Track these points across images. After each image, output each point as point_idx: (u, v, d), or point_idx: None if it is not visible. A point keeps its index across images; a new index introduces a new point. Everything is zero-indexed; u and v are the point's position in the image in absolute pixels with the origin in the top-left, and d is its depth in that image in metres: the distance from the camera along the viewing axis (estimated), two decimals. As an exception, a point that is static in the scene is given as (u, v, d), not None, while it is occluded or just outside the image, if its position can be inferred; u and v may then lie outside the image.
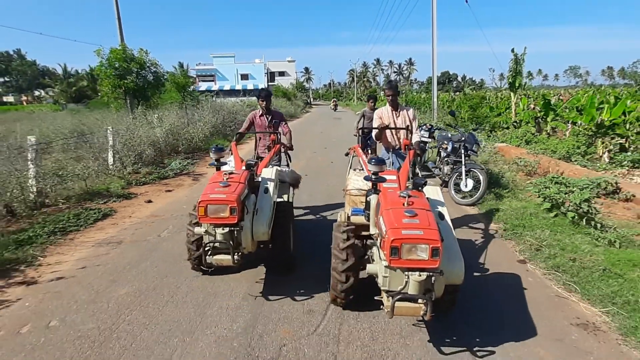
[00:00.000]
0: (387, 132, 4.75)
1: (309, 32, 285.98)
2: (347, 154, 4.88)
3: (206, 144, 12.08)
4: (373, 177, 3.12)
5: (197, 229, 3.31)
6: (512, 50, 15.30)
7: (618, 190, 6.73)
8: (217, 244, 3.20)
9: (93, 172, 7.14)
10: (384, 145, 4.86)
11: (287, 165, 5.30)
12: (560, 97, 18.51)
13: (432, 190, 3.33)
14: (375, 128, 4.66)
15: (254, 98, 31.04)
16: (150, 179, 7.97)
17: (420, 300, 2.47)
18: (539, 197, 5.35)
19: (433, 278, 2.45)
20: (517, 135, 13.58)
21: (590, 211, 4.69)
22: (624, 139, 11.02)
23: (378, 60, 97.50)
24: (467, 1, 16.85)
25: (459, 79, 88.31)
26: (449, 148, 6.57)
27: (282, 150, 5.26)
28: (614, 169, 8.94)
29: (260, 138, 5.29)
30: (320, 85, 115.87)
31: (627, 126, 11.36)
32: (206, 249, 3.23)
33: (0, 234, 4.74)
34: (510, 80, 16.46)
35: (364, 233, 3.35)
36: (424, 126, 8.84)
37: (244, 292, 3.56)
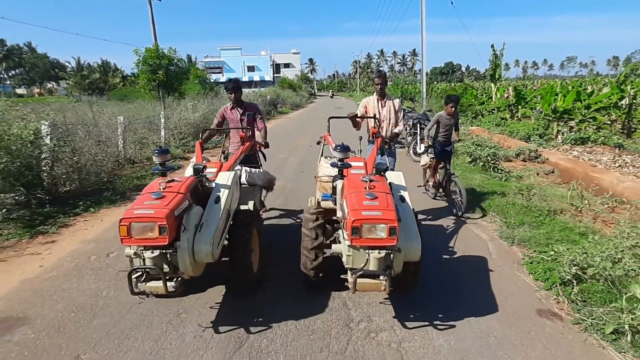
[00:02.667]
0: (370, 121, 4.83)
1: (314, 23, 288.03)
2: (318, 142, 4.72)
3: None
4: (339, 163, 3.33)
5: (127, 250, 2.74)
6: (492, 47, 17.98)
7: (538, 156, 9.51)
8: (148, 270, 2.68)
9: (153, 143, 10.06)
10: (369, 135, 4.88)
11: (260, 165, 4.87)
12: (534, 88, 21.16)
13: (395, 176, 3.47)
14: (343, 117, 4.82)
15: (264, 89, 33.87)
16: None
17: (381, 277, 2.67)
18: (467, 155, 8.21)
19: (392, 255, 2.66)
20: (490, 120, 16.37)
21: (490, 161, 7.53)
22: (573, 122, 13.67)
23: (382, 52, 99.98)
24: (452, 2, 19.51)
25: (463, 69, 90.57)
26: (410, 124, 9.39)
27: (257, 148, 4.86)
28: (562, 146, 11.57)
29: (230, 134, 4.96)
30: (325, 76, 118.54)
31: (584, 112, 13.87)
32: (137, 274, 2.69)
33: (118, 176, 7.65)
34: (490, 72, 19.16)
35: (333, 218, 3.43)
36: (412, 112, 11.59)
37: (194, 320, 3.05)
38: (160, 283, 2.62)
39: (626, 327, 2.62)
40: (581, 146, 11.37)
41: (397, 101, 4.90)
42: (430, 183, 6.11)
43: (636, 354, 2.51)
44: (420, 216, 5.14)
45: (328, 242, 3.34)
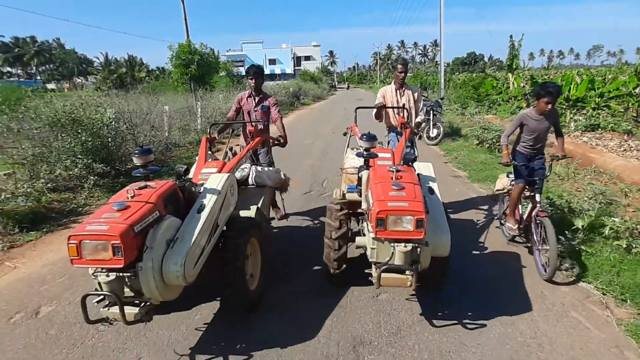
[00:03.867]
0: (390, 111, 4.72)
1: (334, 15, 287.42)
2: (345, 134, 4.61)
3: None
4: (365, 153, 3.26)
5: (90, 269, 2.31)
6: (511, 37, 18.67)
7: (545, 140, 10.39)
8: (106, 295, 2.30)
9: (194, 130, 11.39)
10: (387, 125, 4.84)
11: (272, 163, 4.54)
12: (551, 77, 21.70)
13: (424, 167, 3.38)
14: (371, 107, 4.74)
15: (287, 81, 35.09)
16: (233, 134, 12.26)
17: (407, 272, 2.55)
18: (475, 137, 9.22)
19: (419, 249, 2.54)
20: (505, 109, 17.14)
21: (496, 143, 8.51)
22: (585, 111, 14.33)
23: (402, 42, 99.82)
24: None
25: (486, 59, 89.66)
26: (424, 110, 10.44)
27: (271, 144, 4.49)
28: (573, 132, 12.30)
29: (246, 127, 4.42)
30: (345, 68, 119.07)
31: (597, 100, 14.48)
32: (98, 298, 2.35)
33: (168, 157, 8.97)
34: (508, 62, 19.87)
35: (358, 210, 3.37)
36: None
37: (172, 345, 2.75)
38: (128, 309, 2.28)
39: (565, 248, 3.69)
40: (591, 132, 12.09)
41: (416, 90, 4.79)
42: (510, 218, 4.10)
43: (573, 268, 3.58)
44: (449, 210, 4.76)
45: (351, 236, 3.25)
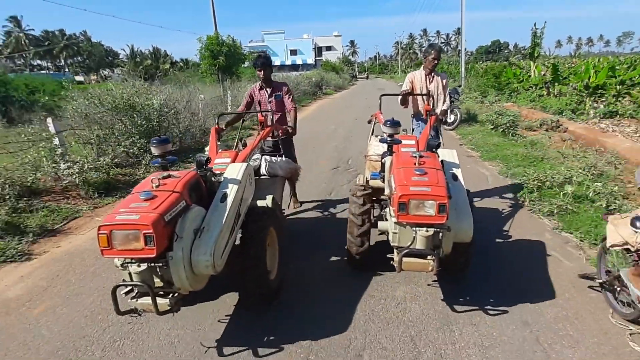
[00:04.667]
0: (417, 98, 4.68)
1: (355, 4, 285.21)
2: (369, 121, 4.59)
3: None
4: (388, 139, 3.28)
5: (115, 261, 2.35)
6: (534, 25, 18.97)
7: (559, 126, 10.92)
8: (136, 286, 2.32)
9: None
10: (414, 112, 4.82)
11: (282, 153, 4.42)
12: (573, 65, 21.79)
13: (449, 153, 3.39)
14: (396, 94, 4.68)
15: (309, 72, 35.84)
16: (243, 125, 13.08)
17: (429, 257, 2.59)
18: (490, 122, 9.86)
19: (440, 234, 2.58)
20: (525, 97, 17.51)
21: (509, 126, 9.14)
22: (604, 98, 14.64)
23: (425, 31, 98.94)
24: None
25: (511, 47, 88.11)
26: (449, 98, 11.14)
27: (280, 134, 4.47)
28: (591, 119, 12.67)
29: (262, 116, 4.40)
30: (366, 58, 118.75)
31: (618, 87, 14.72)
32: (127, 289, 2.37)
33: (206, 140, 9.93)
34: (529, 50, 20.21)
35: (381, 197, 3.38)
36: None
37: (196, 340, 2.70)
38: (159, 300, 2.29)
39: (554, 208, 4.44)
40: (610, 119, 12.47)
41: (445, 77, 4.75)
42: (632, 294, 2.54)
43: (557, 222, 4.33)
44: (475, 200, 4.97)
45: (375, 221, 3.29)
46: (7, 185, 4.99)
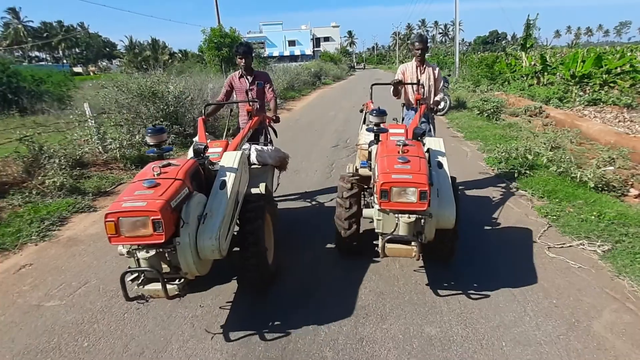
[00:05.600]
0: (408, 88, 4.75)
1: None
2: (361, 110, 4.76)
3: (287, 92, 18.25)
4: (375, 128, 3.32)
5: (120, 249, 2.47)
6: (528, 17, 19.88)
7: (542, 112, 11.93)
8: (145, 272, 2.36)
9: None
10: (405, 102, 4.87)
11: (270, 142, 4.57)
12: (563, 55, 22.74)
13: (435, 142, 3.46)
14: (386, 84, 4.79)
15: (307, 62, 36.67)
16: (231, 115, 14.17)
17: (412, 243, 2.68)
18: (476, 108, 10.89)
19: (423, 220, 2.67)
20: (516, 86, 18.48)
21: (493, 111, 10.16)
22: (589, 87, 15.57)
23: (423, 22, 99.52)
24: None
25: (509, 37, 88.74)
26: (443, 88, 12.15)
27: (267, 123, 4.54)
28: (576, 107, 13.61)
29: (239, 107, 4.64)
30: (364, 49, 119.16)
31: (604, 76, 15.59)
32: (133, 276, 2.39)
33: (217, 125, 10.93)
34: (521, 41, 21.13)
35: (370, 185, 3.41)
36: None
37: (200, 324, 2.79)
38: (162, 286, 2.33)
39: (515, 173, 5.51)
40: (593, 107, 13.44)
41: (437, 68, 4.79)
42: None
43: (516, 183, 5.37)
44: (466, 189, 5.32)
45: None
46: (62, 158, 6.01)
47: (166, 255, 2.38)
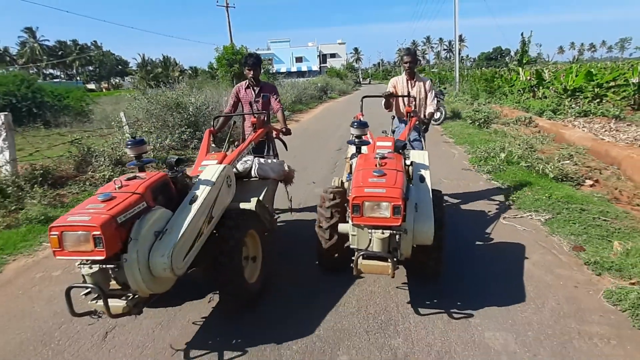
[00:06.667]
0: (400, 101, 4.83)
1: (359, 10, 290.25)
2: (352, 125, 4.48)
3: (295, 105, 19.46)
4: (355, 140, 3.31)
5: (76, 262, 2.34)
6: (522, 34, 21.05)
7: (531, 122, 12.96)
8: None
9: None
10: (396, 115, 4.92)
11: (276, 155, 4.53)
12: (557, 70, 23.84)
13: (419, 155, 3.41)
14: (377, 96, 4.79)
15: (315, 77, 38.11)
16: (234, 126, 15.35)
17: (389, 260, 2.57)
18: (469, 118, 11.96)
19: (397, 236, 2.60)
20: (512, 99, 19.54)
21: (485, 120, 11.22)
22: (580, 100, 16.54)
23: (428, 38, 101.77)
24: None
25: (513, 53, 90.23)
26: (436, 101, 13.25)
27: (275, 135, 4.48)
28: (567, 118, 14.57)
29: (245, 118, 4.57)
30: (370, 65, 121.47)
31: (596, 90, 16.56)
32: (87, 290, 2.32)
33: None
34: (518, 57, 22.26)
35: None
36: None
37: (167, 338, 2.78)
38: (115, 302, 2.28)
39: (490, 168, 6.53)
40: (583, 118, 14.41)
41: (428, 82, 4.85)
42: None
43: (491, 176, 6.38)
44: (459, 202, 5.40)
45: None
46: (107, 157, 7.14)
47: (110, 272, 2.31)
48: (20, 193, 5.48)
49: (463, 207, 5.17)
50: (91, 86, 75.71)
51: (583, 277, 3.34)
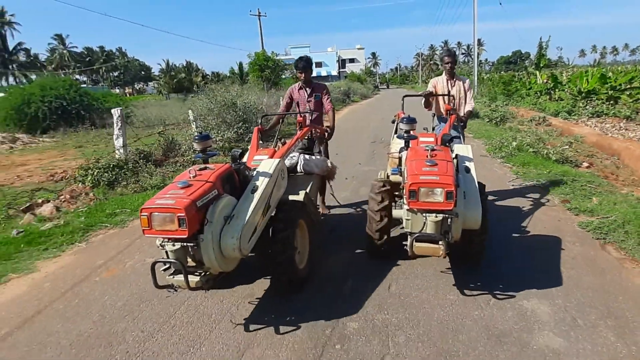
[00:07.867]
0: (440, 100, 5.00)
1: (377, 14, 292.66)
2: (393, 121, 4.98)
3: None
4: (405, 135, 3.58)
5: (157, 241, 2.69)
6: (540, 39, 22.27)
7: (544, 120, 14.30)
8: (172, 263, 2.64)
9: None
10: (436, 114, 5.12)
11: (320, 152, 4.76)
12: (572, 73, 24.95)
13: (463, 148, 3.73)
14: (417, 95, 5.09)
15: (336, 82, 39.67)
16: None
17: (440, 242, 2.83)
18: (486, 117, 13.41)
19: (449, 220, 2.84)
20: (528, 102, 20.74)
21: (501, 119, 12.66)
22: (594, 102, 17.64)
23: (446, 42, 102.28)
24: (500, 3, 24.04)
25: (532, 57, 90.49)
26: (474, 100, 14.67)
27: (320, 134, 4.73)
28: (581, 119, 15.76)
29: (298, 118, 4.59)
30: (387, 69, 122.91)
31: (610, 92, 17.68)
32: (166, 266, 2.68)
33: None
34: (536, 61, 23.49)
35: (400, 189, 3.62)
36: None
37: (228, 315, 3.11)
38: (191, 277, 2.62)
39: (504, 154, 8.02)
40: (596, 118, 15.55)
41: (467, 81, 5.02)
42: None
43: (504, 160, 7.87)
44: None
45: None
46: (188, 146, 8.87)
47: (190, 249, 2.60)
48: (137, 168, 7.22)
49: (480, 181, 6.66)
50: (115, 91, 78.48)
51: (565, 216, 4.88)
